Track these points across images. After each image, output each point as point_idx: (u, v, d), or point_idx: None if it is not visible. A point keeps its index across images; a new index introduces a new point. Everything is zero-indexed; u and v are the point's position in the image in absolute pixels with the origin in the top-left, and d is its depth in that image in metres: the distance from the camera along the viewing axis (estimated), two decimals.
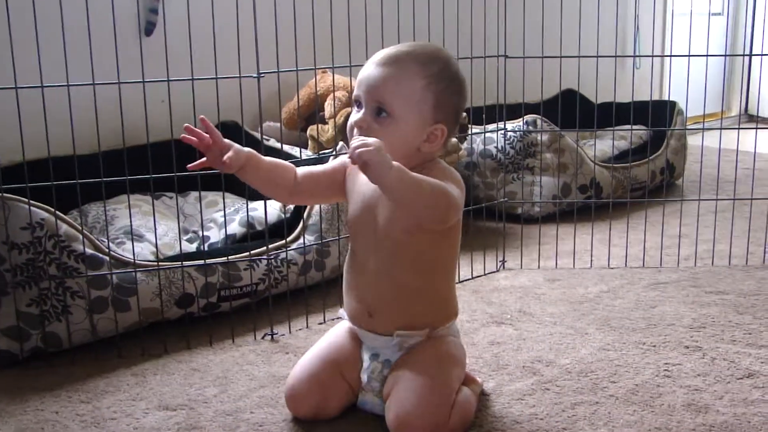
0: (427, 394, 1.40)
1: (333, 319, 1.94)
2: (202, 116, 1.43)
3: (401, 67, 1.40)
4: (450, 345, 1.52)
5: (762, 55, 2.44)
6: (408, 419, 1.38)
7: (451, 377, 1.47)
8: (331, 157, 2.20)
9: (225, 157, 1.40)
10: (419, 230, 1.44)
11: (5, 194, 1.74)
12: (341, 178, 1.55)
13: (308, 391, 1.50)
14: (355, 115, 1.43)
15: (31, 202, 1.76)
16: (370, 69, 1.42)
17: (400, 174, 1.29)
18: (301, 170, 1.56)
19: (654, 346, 1.84)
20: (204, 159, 1.44)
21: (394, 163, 1.29)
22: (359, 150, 1.27)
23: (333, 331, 1.60)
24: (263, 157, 1.50)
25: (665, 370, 1.71)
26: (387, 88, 1.39)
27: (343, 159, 1.55)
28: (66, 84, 1.77)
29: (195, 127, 1.43)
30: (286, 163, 1.56)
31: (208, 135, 1.41)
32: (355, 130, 1.42)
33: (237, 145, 1.44)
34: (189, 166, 1.45)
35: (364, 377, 1.51)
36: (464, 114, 2.68)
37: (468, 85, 1.48)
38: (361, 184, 1.50)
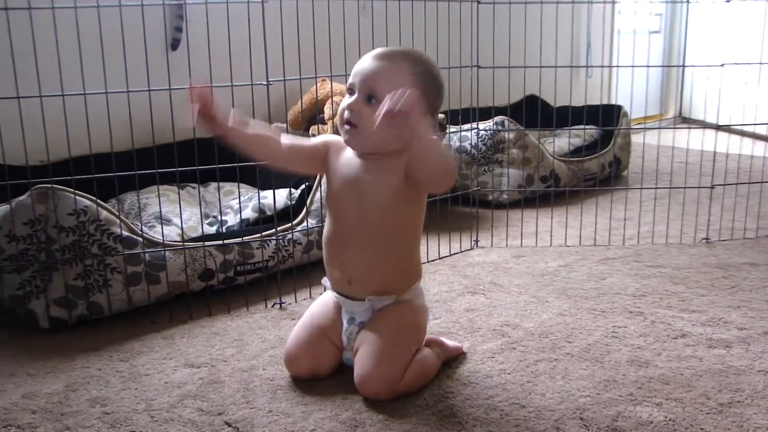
0: (384, 355, 1.41)
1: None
2: (202, 83, 1.42)
3: (393, 62, 1.41)
4: (413, 311, 1.51)
5: (693, 66, 2.45)
6: (367, 376, 1.40)
7: (408, 341, 1.47)
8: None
9: (214, 113, 1.40)
10: (402, 199, 1.43)
11: (54, 185, 1.74)
12: (322, 155, 1.52)
13: (303, 355, 1.51)
14: (347, 99, 1.43)
15: (76, 192, 1.75)
16: (366, 62, 1.43)
17: (426, 131, 1.29)
18: (287, 140, 1.52)
19: (603, 311, 1.85)
20: (198, 108, 1.40)
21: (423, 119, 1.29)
22: (395, 101, 1.23)
23: (318, 301, 1.59)
24: (255, 126, 1.47)
25: (613, 332, 1.73)
26: (379, 78, 1.40)
27: (327, 139, 1.54)
28: (105, 92, 1.77)
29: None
30: (271, 134, 1.51)
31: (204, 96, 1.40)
32: (346, 112, 1.41)
33: (234, 114, 1.43)
34: (190, 109, 1.40)
35: (344, 338, 1.51)
36: (443, 115, 2.69)
37: (445, 88, 1.49)
38: (344, 165, 1.49)
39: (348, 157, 1.50)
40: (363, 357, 1.43)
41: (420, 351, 1.49)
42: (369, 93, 1.40)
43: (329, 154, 1.53)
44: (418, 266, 1.56)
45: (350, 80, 1.44)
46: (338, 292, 1.53)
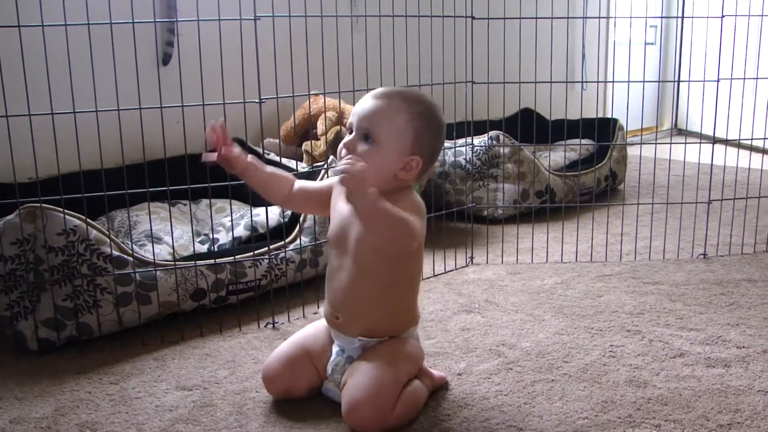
0: (375, 385, 1.38)
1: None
2: (220, 121, 1.46)
3: (389, 102, 1.41)
4: (407, 344, 1.50)
5: (689, 81, 2.47)
6: (356, 406, 1.37)
7: (400, 371, 1.44)
8: (323, 170, 2.21)
9: (234, 153, 1.46)
10: (384, 251, 1.43)
11: (43, 204, 1.73)
12: (329, 197, 1.55)
13: (280, 371, 1.50)
14: (346, 138, 1.43)
15: (65, 211, 1.75)
16: (365, 101, 1.43)
17: (374, 198, 1.30)
18: (299, 183, 1.56)
19: (600, 330, 1.85)
20: (215, 153, 1.46)
21: (372, 189, 1.30)
22: (345, 164, 1.29)
23: (313, 324, 1.59)
24: (266, 165, 1.52)
25: (610, 351, 1.73)
26: (375, 117, 1.40)
27: (333, 181, 1.55)
28: (95, 110, 1.77)
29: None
30: (286, 175, 1.56)
31: (222, 136, 1.46)
32: (343, 151, 1.42)
33: (247, 155, 1.49)
34: (203, 159, 1.46)
35: (329, 368, 1.50)
36: None
37: (445, 129, 1.48)
38: (341, 204, 1.49)
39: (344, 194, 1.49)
40: (352, 386, 1.40)
41: (410, 383, 1.47)
42: (365, 132, 1.40)
43: (333, 193, 1.54)
44: (413, 312, 1.54)
45: (350, 118, 1.44)
46: (329, 325, 1.53)
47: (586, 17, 2.56)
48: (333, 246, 1.51)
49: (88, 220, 1.78)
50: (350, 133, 1.44)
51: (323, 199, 1.55)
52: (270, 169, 1.54)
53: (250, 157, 1.50)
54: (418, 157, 1.42)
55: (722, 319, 1.90)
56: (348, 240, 1.46)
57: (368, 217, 1.33)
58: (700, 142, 2.54)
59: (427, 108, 1.44)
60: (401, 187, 1.45)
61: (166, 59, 2.68)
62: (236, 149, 1.48)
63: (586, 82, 3.08)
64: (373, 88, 1.62)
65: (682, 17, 2.64)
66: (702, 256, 2.44)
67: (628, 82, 2.44)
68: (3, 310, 1.74)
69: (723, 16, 2.30)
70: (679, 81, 2.52)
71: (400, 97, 1.43)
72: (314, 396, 1.52)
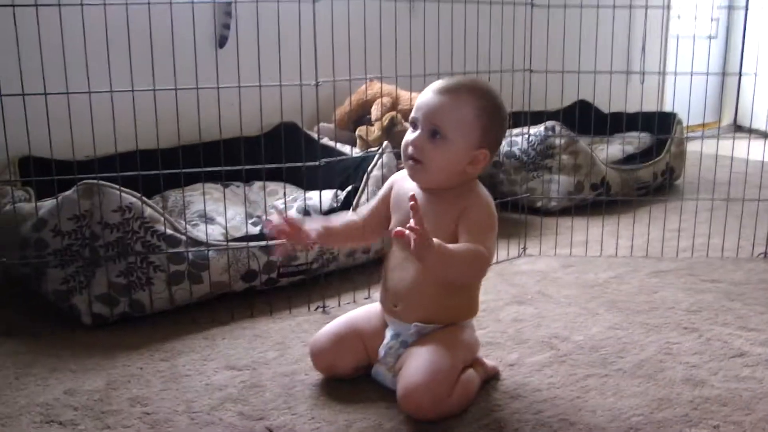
0: (432, 371, 1.36)
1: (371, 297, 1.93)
2: (280, 212, 1.46)
3: (457, 97, 1.38)
4: (464, 331, 1.48)
5: (754, 74, 2.39)
6: (413, 392, 1.35)
7: (457, 358, 1.42)
8: (377, 156, 2.19)
9: (311, 238, 1.45)
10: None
11: (100, 182, 1.75)
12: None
13: (326, 345, 1.49)
14: (410, 134, 1.41)
15: (121, 188, 1.76)
16: (429, 96, 1.40)
17: (440, 253, 1.28)
18: (364, 210, 1.57)
19: (656, 326, 1.80)
20: (285, 242, 1.46)
21: (435, 241, 1.27)
22: (411, 236, 1.25)
23: (366, 306, 1.59)
24: (333, 223, 1.52)
25: (666, 348, 1.68)
26: (443, 114, 1.38)
27: (389, 182, 1.55)
28: (153, 89, 1.77)
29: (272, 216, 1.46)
30: (350, 217, 1.57)
31: (288, 226, 1.44)
32: (410, 148, 1.40)
33: (312, 224, 1.47)
34: (276, 254, 1.48)
35: (381, 351, 1.48)
36: None
37: (507, 120, 1.46)
38: (405, 200, 1.45)
39: (410, 187, 1.48)
40: (409, 370, 1.38)
41: (465, 371, 1.45)
42: (432, 128, 1.38)
43: (393, 187, 1.53)
44: (473, 304, 1.52)
45: (413, 113, 1.42)
46: (385, 311, 1.52)
47: (648, 6, 2.49)
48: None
49: (143, 198, 1.79)
50: (413, 128, 1.41)
51: (386, 210, 1.53)
52: (338, 224, 1.52)
53: (319, 227, 1.48)
54: (486, 149, 1.40)
55: None
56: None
57: (440, 271, 1.35)
58: (766, 139, 2.46)
59: (493, 100, 1.42)
60: (469, 180, 1.44)
61: (222, 41, 2.69)
62: (301, 232, 1.45)
63: (647, 73, 3.01)
64: (430, 75, 1.60)
65: (746, 8, 2.55)
66: (762, 256, 2.37)
67: (691, 74, 2.37)
68: (59, 284, 1.76)
69: None
70: (741, 74, 2.44)
71: (467, 91, 1.40)
72: (362, 378, 1.50)
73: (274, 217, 1.45)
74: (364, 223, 1.56)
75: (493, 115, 1.41)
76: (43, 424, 1.37)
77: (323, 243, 1.50)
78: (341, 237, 1.54)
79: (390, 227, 1.49)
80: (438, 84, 1.42)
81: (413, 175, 1.43)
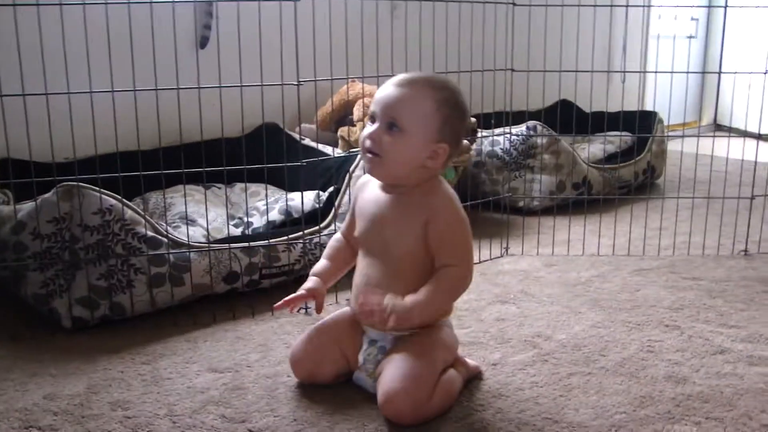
0: (411, 376, 1.34)
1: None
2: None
3: (416, 89, 1.37)
4: (441, 331, 1.46)
5: (735, 72, 2.40)
6: (393, 399, 1.33)
7: (436, 360, 1.41)
8: (358, 156, 2.18)
9: (317, 301, 1.51)
10: (414, 254, 1.40)
11: (80, 183, 1.73)
12: None
13: (304, 354, 1.48)
14: (369, 128, 1.39)
15: (102, 190, 1.75)
16: (388, 89, 1.38)
17: (419, 310, 1.35)
18: (343, 229, 1.57)
19: (638, 324, 1.81)
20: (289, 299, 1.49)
21: (407, 299, 1.35)
22: (381, 318, 1.35)
23: (342, 311, 1.56)
24: (326, 264, 1.55)
25: (648, 345, 1.69)
26: (401, 105, 1.36)
27: (356, 190, 1.54)
28: (133, 89, 1.76)
29: None
30: (336, 242, 1.58)
31: (293, 300, 1.48)
32: (367, 141, 1.38)
33: (312, 281, 1.52)
34: (275, 306, 1.49)
35: (360, 358, 1.47)
36: (474, 120, 2.66)
37: (469, 114, 1.45)
38: (369, 203, 1.46)
39: (373, 191, 1.47)
40: (387, 376, 1.36)
41: (445, 372, 1.43)
42: (390, 121, 1.36)
43: (358, 196, 1.52)
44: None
45: (371, 107, 1.40)
46: (359, 319, 1.50)
47: (629, 5, 2.50)
48: (361, 245, 1.49)
49: (123, 200, 1.77)
50: (372, 122, 1.39)
51: None
52: (329, 261, 1.56)
53: (317, 279, 1.52)
54: (445, 143, 1.39)
55: (764, 316, 1.85)
56: (375, 240, 1.44)
57: (431, 316, 1.42)
58: (744, 137, 2.47)
59: (453, 94, 1.40)
60: (429, 176, 1.42)
61: (203, 42, 2.67)
62: (308, 293, 1.50)
63: (628, 72, 3.02)
64: None
65: (726, 6, 2.57)
66: (743, 253, 2.38)
67: (672, 72, 2.39)
68: (38, 287, 1.74)
69: None
70: (721, 72, 2.45)
71: (425, 83, 1.38)
72: (344, 383, 1.50)
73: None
74: (347, 239, 1.56)
75: (452, 108, 1.39)
76: (22, 429, 1.35)
77: (330, 285, 1.57)
78: (340, 269, 1.57)
79: (355, 233, 1.49)
80: (397, 77, 1.40)
81: (371, 170, 1.41)
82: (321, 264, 1.57)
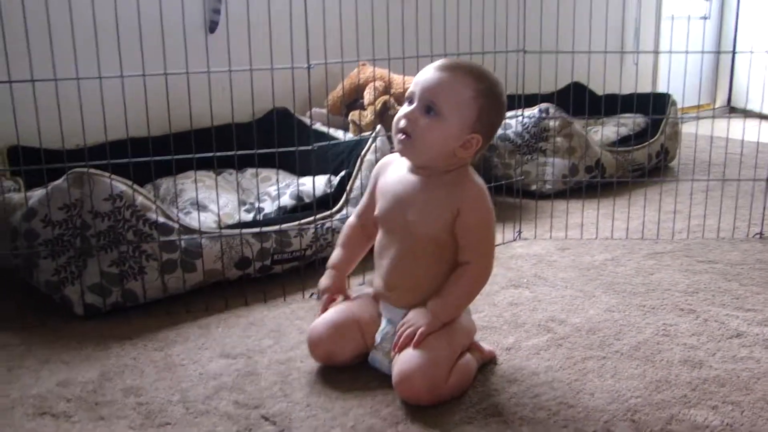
0: (428, 355, 1.34)
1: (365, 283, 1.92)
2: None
3: (456, 75, 1.36)
4: (460, 315, 1.47)
5: (750, 52, 2.37)
6: (409, 376, 1.33)
7: (454, 343, 1.41)
8: (370, 140, 2.17)
9: (342, 295, 1.55)
10: (452, 234, 1.40)
11: (91, 170, 1.73)
12: None
13: (325, 334, 1.47)
14: (405, 108, 1.38)
15: (112, 176, 1.74)
16: (428, 72, 1.38)
17: (445, 312, 1.40)
18: (358, 211, 1.58)
19: (653, 308, 1.79)
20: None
21: (434, 309, 1.39)
22: (416, 337, 1.37)
23: (362, 291, 1.57)
24: (341, 253, 1.57)
25: (663, 329, 1.67)
26: (440, 89, 1.35)
27: (375, 171, 1.54)
28: (142, 74, 1.75)
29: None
30: (350, 227, 1.58)
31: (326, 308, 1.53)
32: (402, 121, 1.37)
33: (329, 276, 1.56)
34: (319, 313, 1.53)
35: (378, 337, 1.47)
36: None
37: (506, 106, 1.43)
38: (393, 183, 1.46)
39: (399, 171, 1.46)
40: (404, 356, 1.36)
41: (462, 355, 1.43)
42: (428, 104, 1.35)
43: (379, 176, 1.51)
44: None
45: (410, 88, 1.39)
46: (379, 297, 1.51)
47: None
48: (382, 224, 1.48)
49: (134, 186, 1.77)
50: (409, 103, 1.39)
51: None
52: (346, 248, 1.58)
53: (337, 273, 1.56)
54: (479, 134, 1.38)
55: None
56: (397, 220, 1.43)
57: (457, 313, 1.44)
58: (760, 119, 2.45)
59: (493, 85, 1.39)
60: (459, 164, 1.41)
61: (213, 27, 2.66)
62: (335, 289, 1.55)
63: (641, 52, 2.99)
64: (423, 57, 1.58)
65: None
66: (758, 236, 2.36)
67: (686, 52, 2.36)
68: (50, 275, 1.74)
69: None
70: (734, 52, 2.42)
71: (467, 71, 1.37)
72: (359, 365, 1.49)
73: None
74: (362, 223, 1.56)
75: (490, 99, 1.38)
76: (36, 416, 1.35)
77: (349, 272, 1.60)
78: (357, 255, 1.59)
79: (376, 213, 1.49)
80: (439, 62, 1.39)
81: (402, 150, 1.40)
82: (336, 254, 1.57)
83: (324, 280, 1.55)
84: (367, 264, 1.80)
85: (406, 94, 1.40)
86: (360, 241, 1.57)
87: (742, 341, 1.61)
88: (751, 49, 2.33)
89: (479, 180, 1.43)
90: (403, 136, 1.37)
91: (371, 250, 1.55)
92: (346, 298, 1.54)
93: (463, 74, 1.36)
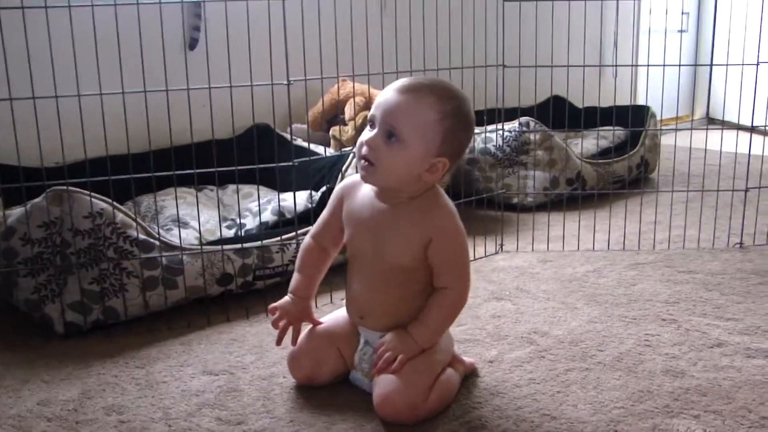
0: (408, 377, 1.34)
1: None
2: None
3: (418, 98, 1.29)
4: None
5: (726, 65, 2.40)
6: (389, 397, 1.33)
7: (434, 362, 1.40)
8: (350, 156, 2.18)
9: (310, 319, 1.52)
10: (424, 263, 1.38)
11: (70, 188, 1.72)
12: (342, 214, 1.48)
13: (304, 356, 1.47)
14: (367, 133, 1.33)
15: (92, 194, 1.74)
16: (389, 94, 1.31)
17: (424, 337, 1.39)
18: (315, 231, 1.51)
19: (635, 319, 1.81)
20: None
21: (414, 334, 1.38)
22: (395, 364, 1.36)
23: (338, 312, 1.55)
24: (299, 279, 1.51)
25: (645, 340, 1.69)
26: (401, 114, 1.29)
27: (337, 191, 1.48)
28: (121, 92, 1.75)
29: None
30: (307, 249, 1.52)
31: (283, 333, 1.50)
32: (364, 148, 1.32)
33: (288, 302, 1.50)
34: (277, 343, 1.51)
35: (356, 358, 1.46)
36: None
37: (474, 124, 1.38)
38: (362, 209, 1.41)
39: (365, 196, 1.42)
40: (384, 379, 1.36)
41: (444, 371, 1.43)
42: (389, 129, 1.30)
43: (344, 199, 1.46)
44: None
45: (372, 111, 1.33)
46: (353, 321, 1.50)
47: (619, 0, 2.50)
48: (351, 251, 1.46)
49: (114, 203, 1.76)
50: (371, 126, 1.33)
51: (341, 222, 1.48)
52: (307, 272, 1.51)
53: (300, 297, 1.51)
54: (445, 158, 1.33)
55: (761, 309, 1.85)
56: (366, 250, 1.41)
57: (436, 339, 1.42)
58: (738, 130, 2.48)
59: (458, 105, 1.32)
60: (426, 188, 1.37)
61: (192, 44, 2.67)
62: (299, 316, 1.51)
63: (620, 66, 3.03)
64: (403, 72, 1.59)
65: (716, 1, 2.57)
66: (738, 246, 2.39)
67: (664, 65, 2.39)
68: (30, 293, 1.73)
69: None
70: (712, 65, 2.45)
71: (429, 91, 1.30)
72: (340, 383, 1.49)
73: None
74: (319, 243, 1.51)
75: (457, 119, 1.32)
76: None
77: (312, 294, 1.54)
78: (315, 279, 1.52)
79: (345, 241, 1.47)
80: (401, 82, 1.33)
81: (365, 177, 1.35)
82: (296, 279, 1.51)
83: (283, 304, 1.50)
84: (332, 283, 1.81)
85: (368, 116, 1.34)
86: (318, 264, 1.51)
87: (723, 350, 1.63)
88: (727, 61, 2.36)
89: (448, 203, 1.39)
90: (365, 163, 1.32)
91: (331, 268, 1.54)
92: (315, 324, 1.51)
93: (426, 95, 1.30)
